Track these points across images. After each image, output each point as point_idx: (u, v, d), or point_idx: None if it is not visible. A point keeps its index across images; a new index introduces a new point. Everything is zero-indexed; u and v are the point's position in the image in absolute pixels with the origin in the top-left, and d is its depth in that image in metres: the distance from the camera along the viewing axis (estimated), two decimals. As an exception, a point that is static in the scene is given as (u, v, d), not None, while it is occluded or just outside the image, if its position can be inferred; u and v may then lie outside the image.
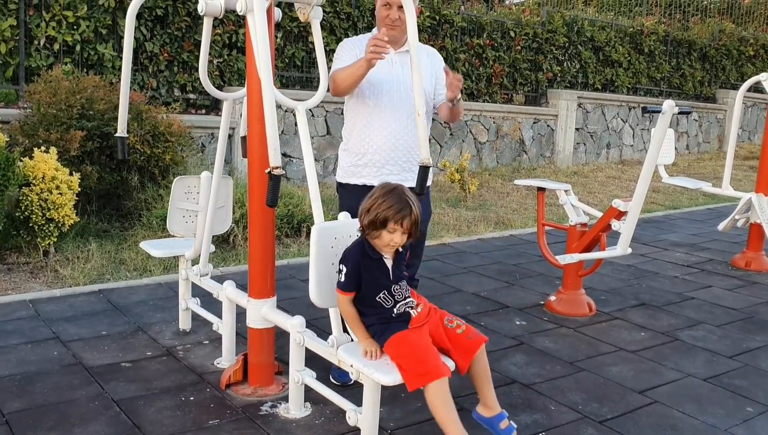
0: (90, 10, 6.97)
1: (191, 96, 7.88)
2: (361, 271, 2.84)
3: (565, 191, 4.95)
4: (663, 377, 3.90)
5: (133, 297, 4.85)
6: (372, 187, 3.50)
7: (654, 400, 3.60)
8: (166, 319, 4.46)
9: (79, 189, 5.52)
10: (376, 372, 2.69)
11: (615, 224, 4.59)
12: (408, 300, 2.91)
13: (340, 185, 3.79)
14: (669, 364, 4.09)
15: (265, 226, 3.41)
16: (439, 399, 2.67)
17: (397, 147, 3.60)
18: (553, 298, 4.98)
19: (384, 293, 2.87)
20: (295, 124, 8.32)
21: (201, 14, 3.34)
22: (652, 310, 5.04)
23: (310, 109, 5.96)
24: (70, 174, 5.48)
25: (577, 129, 11.94)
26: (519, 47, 11.25)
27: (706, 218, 8.77)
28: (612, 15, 14.17)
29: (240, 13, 3.03)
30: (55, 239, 5.43)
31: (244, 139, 4.16)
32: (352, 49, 3.60)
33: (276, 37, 8.08)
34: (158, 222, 6.03)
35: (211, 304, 4.31)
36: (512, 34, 11.09)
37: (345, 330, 3.30)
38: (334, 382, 3.58)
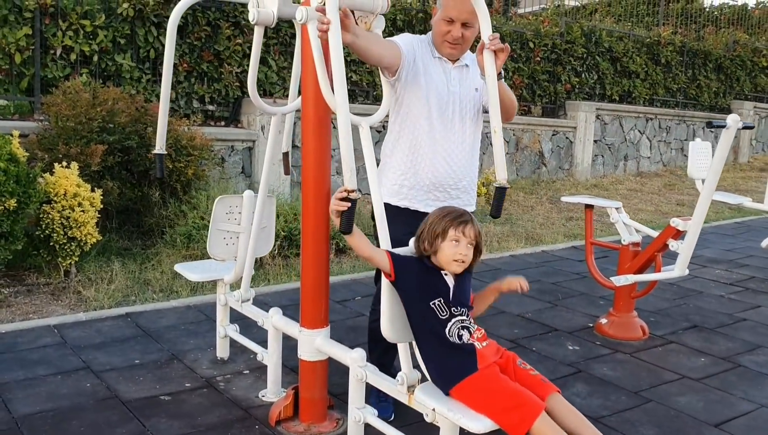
0: (108, 19, 6.72)
1: (210, 107, 7.63)
2: (414, 268, 2.64)
3: (616, 209, 4.72)
4: (735, 409, 3.66)
5: (162, 321, 4.59)
6: (416, 211, 3.24)
7: (733, 435, 3.37)
8: (201, 346, 4.20)
9: (101, 206, 5.27)
10: (464, 418, 2.43)
11: (672, 244, 4.36)
12: (465, 319, 2.64)
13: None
14: (738, 393, 3.85)
15: (318, 249, 3.17)
16: (550, 431, 2.41)
17: (448, 172, 3.22)
18: (603, 320, 4.74)
19: (440, 301, 2.61)
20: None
21: (252, 23, 3.12)
22: (707, 332, 4.80)
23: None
24: (92, 190, 5.24)
25: (595, 141, 11.72)
26: (538, 58, 11.03)
27: (736, 232, 8.54)
28: (629, 25, 13.98)
29: (299, 23, 2.80)
30: (77, 259, 5.18)
31: (286, 155, 3.95)
32: (407, 38, 3.24)
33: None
34: (182, 240, 5.78)
35: (246, 327, 4.08)
36: (531, 45, 10.88)
37: (384, 364, 3.06)
38: None
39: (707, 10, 17.52)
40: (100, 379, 3.69)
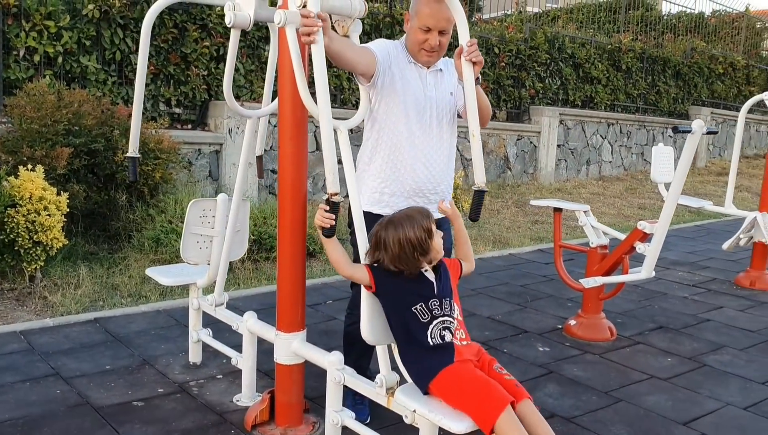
0: (73, 20, 6.61)
1: (177, 110, 7.56)
2: (394, 276, 2.62)
3: (584, 212, 4.80)
4: (702, 407, 3.75)
5: (132, 326, 4.54)
6: None
7: (701, 433, 3.45)
8: (172, 351, 4.16)
9: (67, 210, 5.19)
10: (445, 419, 2.45)
11: (639, 247, 4.45)
12: (446, 319, 2.63)
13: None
14: (704, 392, 3.94)
15: (295, 253, 3.16)
16: (512, 429, 2.44)
17: (428, 177, 3.23)
18: (572, 322, 4.81)
19: (421, 305, 2.61)
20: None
21: (229, 26, 3.10)
22: (672, 333, 4.91)
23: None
24: (58, 194, 5.15)
25: (558, 145, 11.89)
26: (503, 64, 11.16)
27: (696, 235, 8.74)
28: (591, 32, 14.22)
29: (278, 26, 2.80)
30: (42, 263, 5.08)
31: (260, 158, 3.94)
32: (382, 44, 3.20)
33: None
34: (150, 244, 5.71)
35: (217, 332, 4.04)
36: (496, 50, 11.00)
37: (361, 366, 3.04)
38: None
39: (665, 17, 17.89)
40: (70, 386, 3.63)
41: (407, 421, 2.66)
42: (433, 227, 2.62)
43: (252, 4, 3.08)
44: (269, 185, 8.08)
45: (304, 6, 2.79)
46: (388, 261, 2.61)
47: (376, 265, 2.67)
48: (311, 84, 2.71)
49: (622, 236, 4.69)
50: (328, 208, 2.53)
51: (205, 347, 4.00)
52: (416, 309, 2.61)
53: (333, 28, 2.97)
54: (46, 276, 5.20)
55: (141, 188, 6.12)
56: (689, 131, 4.18)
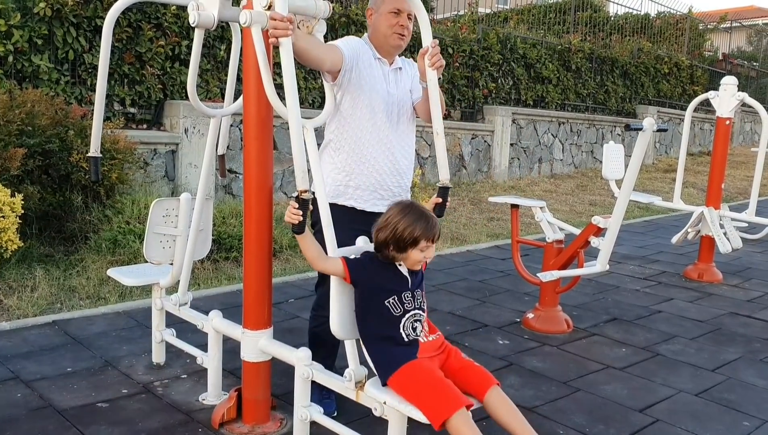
0: (24, 18, 6.48)
1: (131, 110, 7.47)
2: (368, 267, 2.70)
3: (540, 208, 4.92)
4: (657, 394, 3.89)
5: (92, 328, 4.49)
6: (362, 211, 3.32)
7: (656, 419, 3.58)
8: (135, 352, 4.14)
9: (22, 211, 5.10)
10: (415, 410, 2.51)
11: (594, 241, 4.59)
12: (416, 311, 2.72)
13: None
14: (658, 380, 4.09)
15: (261, 251, 3.18)
16: (467, 428, 2.50)
17: (392, 171, 3.32)
18: (530, 315, 4.93)
19: (394, 299, 2.68)
20: (241, 139, 8.03)
21: (193, 26, 3.11)
22: (626, 324, 5.06)
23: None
24: (12, 195, 5.06)
25: (511, 144, 12.09)
26: (457, 64, 11.29)
27: (646, 230, 8.99)
28: (541, 33, 14.47)
29: (244, 26, 2.83)
30: (-3, 266, 5.00)
31: (222, 157, 3.95)
32: (350, 42, 3.27)
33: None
34: (107, 245, 5.65)
35: (180, 332, 4.03)
36: (450, 50, 11.12)
37: (327, 366, 3.06)
38: None
39: (612, 18, 18.31)
40: (31, 389, 3.58)
41: (376, 413, 2.71)
42: (424, 243, 2.66)
43: (216, 3, 3.10)
44: (226, 185, 8.05)
45: (270, 7, 2.83)
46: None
47: (352, 256, 2.73)
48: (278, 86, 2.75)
49: (576, 231, 4.82)
50: (297, 205, 2.56)
51: (169, 347, 4.00)
52: (389, 302, 2.67)
53: (297, 27, 3.02)
54: (0, 279, 5.11)
55: (97, 189, 6.03)
56: (641, 128, 4.33)
